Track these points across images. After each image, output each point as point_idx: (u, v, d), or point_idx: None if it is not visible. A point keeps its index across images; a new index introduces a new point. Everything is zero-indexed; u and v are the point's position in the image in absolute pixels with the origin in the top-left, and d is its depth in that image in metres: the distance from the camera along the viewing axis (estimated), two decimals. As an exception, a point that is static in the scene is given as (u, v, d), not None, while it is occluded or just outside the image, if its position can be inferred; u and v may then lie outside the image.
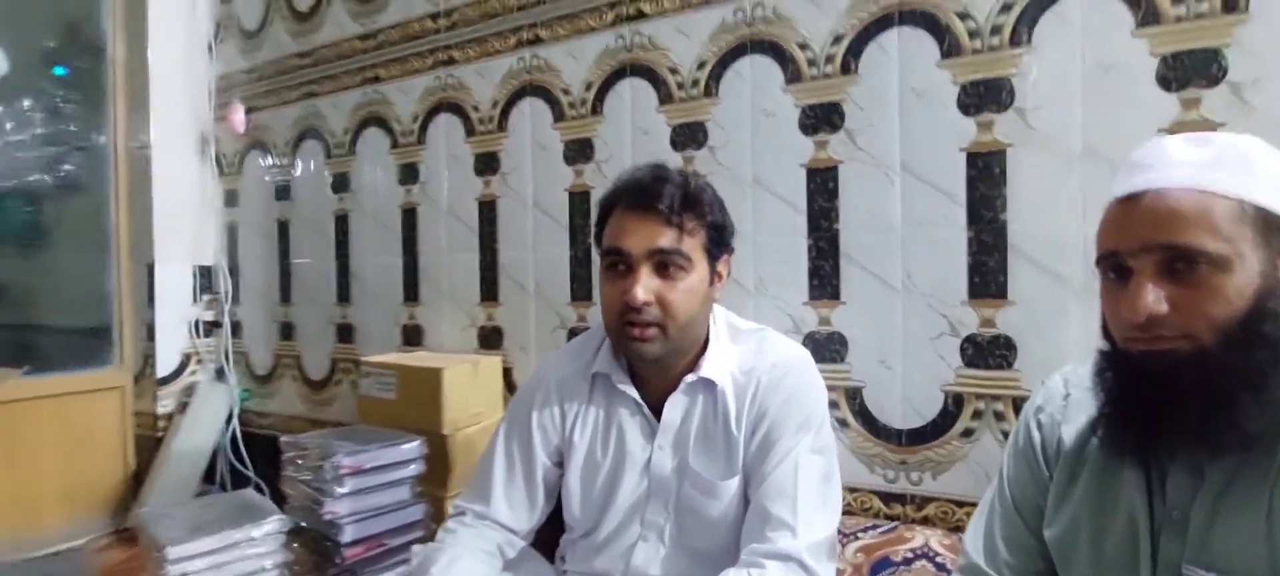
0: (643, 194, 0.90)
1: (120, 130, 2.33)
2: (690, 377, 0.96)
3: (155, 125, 2.29)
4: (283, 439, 1.47)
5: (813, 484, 0.90)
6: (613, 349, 1.01)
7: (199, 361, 2.39)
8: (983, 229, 1.22)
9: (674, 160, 1.51)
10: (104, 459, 2.27)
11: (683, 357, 0.97)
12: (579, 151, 1.66)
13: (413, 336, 1.97)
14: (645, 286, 0.88)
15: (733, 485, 0.94)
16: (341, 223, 2.11)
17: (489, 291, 1.82)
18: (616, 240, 0.91)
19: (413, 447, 1.45)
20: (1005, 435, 1.21)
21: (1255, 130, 0.71)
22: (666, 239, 0.89)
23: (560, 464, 1.06)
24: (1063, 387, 0.86)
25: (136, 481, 2.30)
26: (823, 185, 1.35)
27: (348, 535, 1.33)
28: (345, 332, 2.13)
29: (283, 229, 2.27)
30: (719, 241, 0.95)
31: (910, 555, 1.16)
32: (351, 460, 1.34)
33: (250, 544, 1.19)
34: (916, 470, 1.28)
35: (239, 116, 2.31)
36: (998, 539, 0.85)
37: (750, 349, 0.99)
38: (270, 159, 2.30)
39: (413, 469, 1.45)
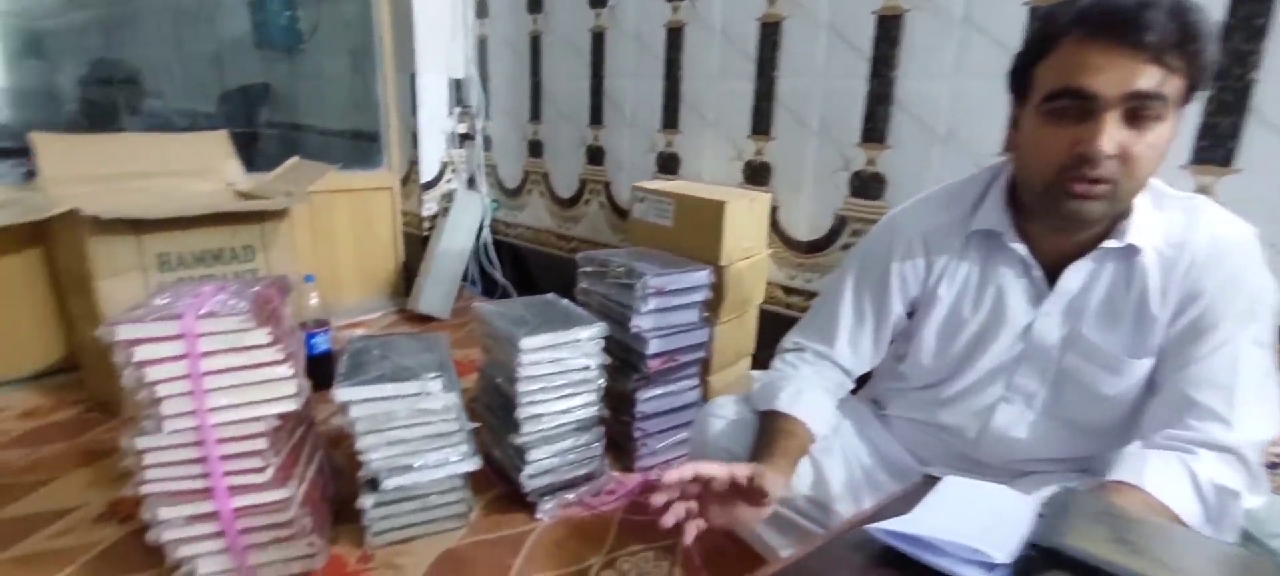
0: (1126, 21, 0.72)
1: (379, -63, 2.38)
2: (1108, 244, 0.85)
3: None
4: (581, 255, 1.56)
5: (1254, 379, 0.80)
6: (1003, 202, 0.92)
7: (454, 171, 2.58)
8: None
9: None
10: (381, 250, 2.60)
11: (1103, 221, 0.85)
12: (895, -36, 1.45)
13: (668, 164, 1.97)
14: (1111, 137, 0.73)
15: (1143, 365, 0.86)
16: (598, 41, 2.07)
17: (761, 123, 1.73)
18: (1078, 78, 0.75)
19: (704, 275, 1.49)
20: None
21: None
22: (1148, 80, 0.72)
23: (912, 314, 1.02)
24: None
25: (407, 272, 2.63)
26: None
27: (652, 347, 1.43)
28: (595, 155, 2.17)
29: (534, 43, 2.27)
30: (1195, 88, 0.78)
31: None
32: (658, 281, 1.41)
33: (580, 345, 1.31)
34: None
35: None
36: None
37: (1180, 218, 0.85)
38: (521, -32, 2.26)
39: (701, 294, 1.50)
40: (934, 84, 1.43)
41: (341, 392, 1.12)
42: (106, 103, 2.27)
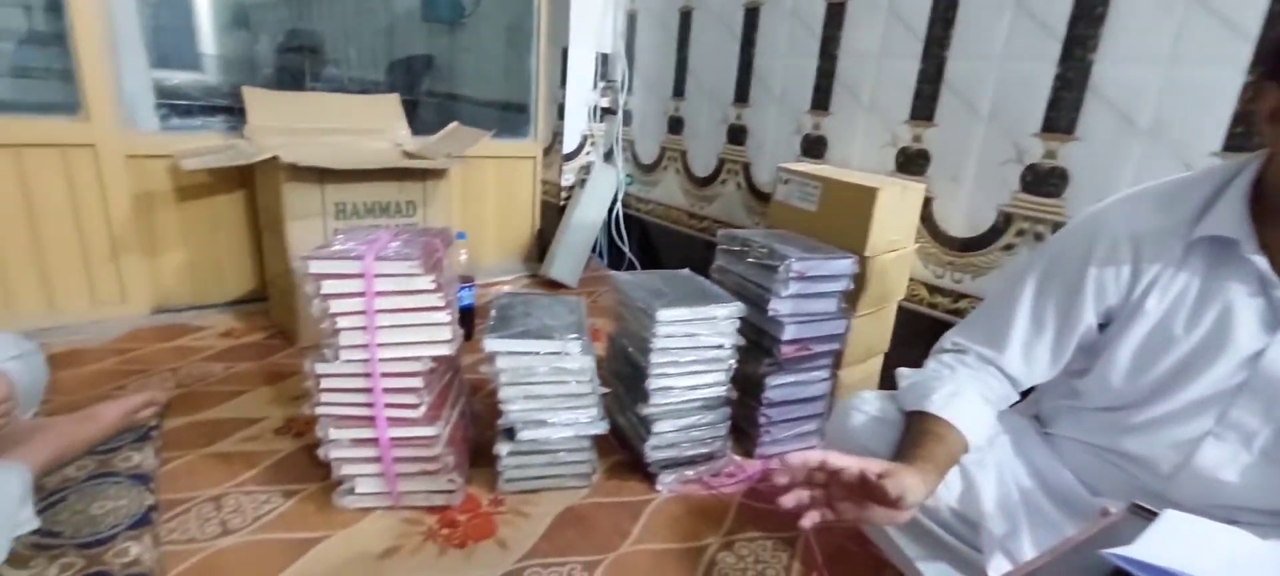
0: None
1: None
2: None
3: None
4: (721, 232, 1.54)
5: None
6: (1245, 208, 0.79)
7: (593, 144, 2.64)
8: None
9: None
10: (520, 216, 2.72)
11: None
12: (1105, -66, 1.28)
13: (815, 148, 1.89)
14: None
15: None
16: (751, 16, 2.02)
17: (923, 107, 1.61)
18: None
19: (848, 264, 1.42)
20: None
21: None
22: None
23: (1105, 325, 0.91)
24: None
25: (540, 240, 2.74)
26: None
27: (788, 333, 1.39)
28: (736, 134, 2.14)
29: (684, 19, 2.26)
30: None
31: None
32: (801, 266, 1.36)
33: (715, 322, 1.30)
34: None
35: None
36: None
37: None
38: (675, -57, 2.25)
39: (843, 284, 1.44)
40: (1141, 70, 1.25)
41: (490, 343, 1.18)
42: (295, 68, 2.53)
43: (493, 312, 1.30)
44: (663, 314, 1.26)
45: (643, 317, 1.30)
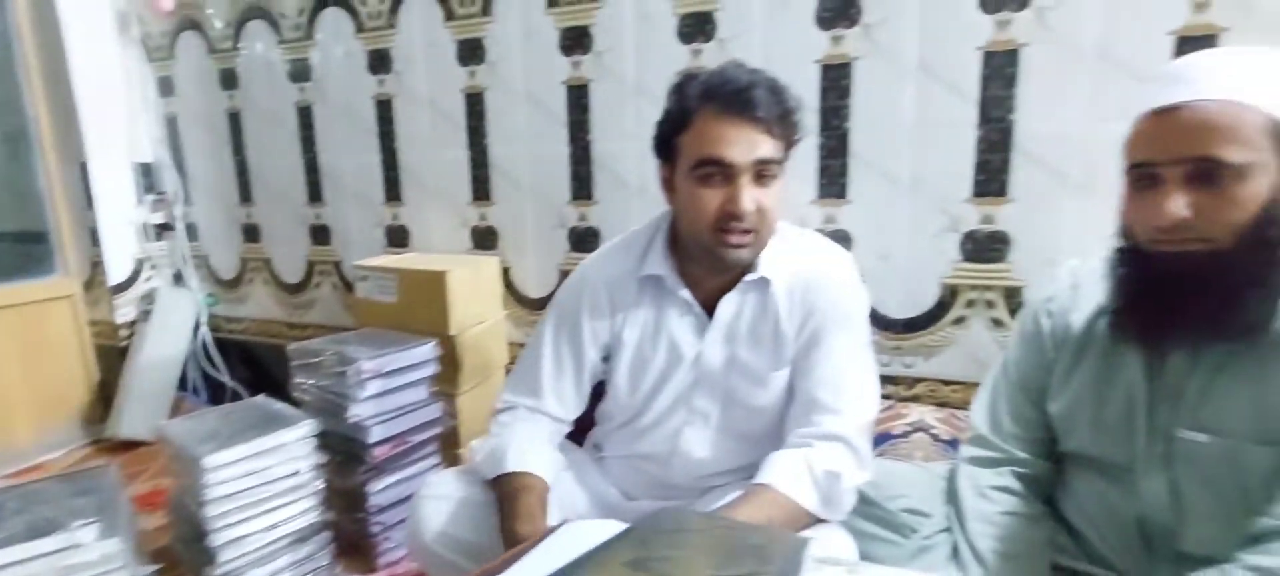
0: (743, 100, 0.88)
1: (20, 4, 2.03)
2: (749, 277, 1.01)
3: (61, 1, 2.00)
4: (291, 347, 1.44)
5: (854, 374, 0.99)
6: (665, 250, 1.04)
7: (154, 267, 2.25)
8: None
9: (682, 52, 1.47)
10: (65, 370, 2.16)
11: (751, 263, 1.01)
12: (576, 41, 1.58)
13: (398, 237, 1.92)
14: (750, 196, 0.89)
15: (782, 376, 1.02)
16: (305, 115, 1.97)
17: (480, 189, 1.77)
18: (716, 149, 0.90)
19: (427, 349, 1.46)
20: (995, 322, 1.33)
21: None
22: (768, 149, 0.90)
23: (607, 359, 1.10)
24: (1070, 279, 0.95)
25: (104, 392, 2.22)
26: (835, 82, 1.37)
27: (375, 435, 1.36)
28: (320, 234, 2.04)
29: (233, 121, 2.09)
30: (793, 148, 0.97)
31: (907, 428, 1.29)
32: (374, 364, 1.35)
33: (283, 450, 1.19)
34: (910, 355, 1.41)
35: (165, -9, 2.05)
36: (1003, 413, 0.97)
37: (799, 252, 1.04)
38: (209, 42, 2.07)
39: (429, 369, 1.47)
40: (623, 144, 1.57)
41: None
42: None
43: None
44: (211, 459, 1.12)
45: (193, 467, 1.14)
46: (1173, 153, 0.71)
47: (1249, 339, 0.74)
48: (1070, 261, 0.98)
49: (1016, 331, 1.00)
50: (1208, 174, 0.70)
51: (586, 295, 1.07)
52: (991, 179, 1.29)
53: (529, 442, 1.02)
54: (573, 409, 1.12)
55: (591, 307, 1.07)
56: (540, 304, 1.77)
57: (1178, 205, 0.71)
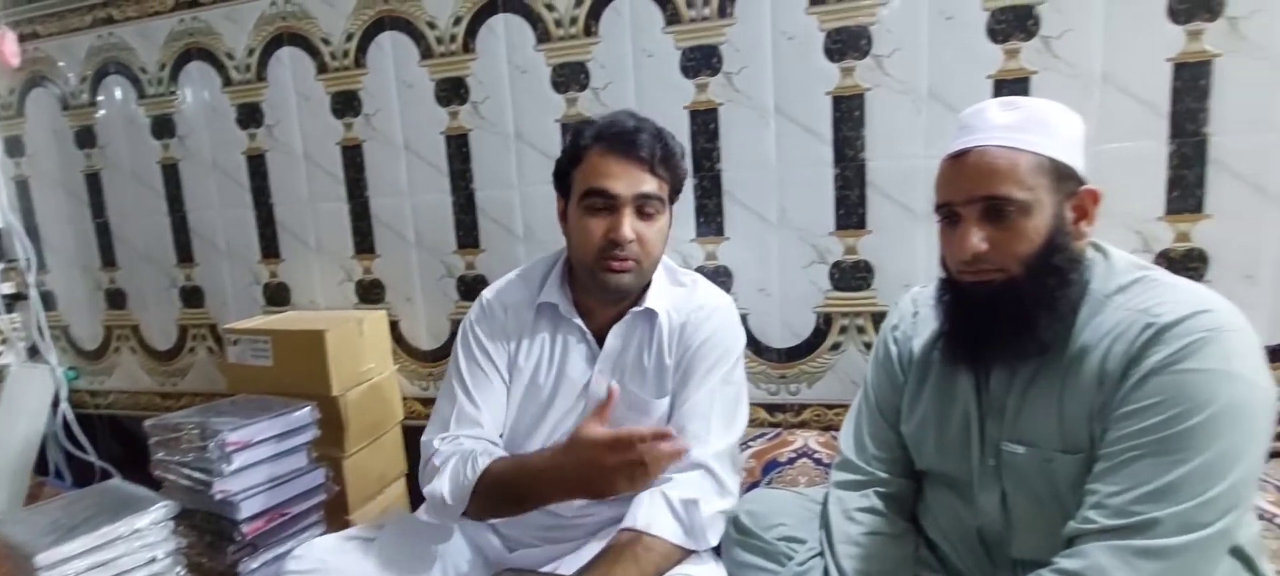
0: (628, 141, 0.97)
1: None
2: (636, 309, 1.05)
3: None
4: (148, 422, 1.34)
5: (721, 406, 1.03)
6: (561, 280, 1.08)
7: (4, 342, 2.04)
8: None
9: (556, 101, 1.50)
10: (-108, 465, 1.92)
11: (634, 292, 1.05)
12: (452, 91, 1.58)
13: (278, 295, 1.83)
14: (631, 225, 0.97)
15: (663, 404, 1.06)
16: (171, 172, 1.86)
17: (363, 242, 1.72)
18: (602, 181, 0.97)
19: (303, 414, 1.39)
20: (866, 346, 1.41)
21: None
22: (649, 185, 0.98)
23: (506, 382, 1.11)
24: (912, 307, 1.02)
25: (-58, 485, 1.98)
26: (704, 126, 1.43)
27: (244, 511, 1.27)
28: (192, 296, 1.92)
29: (92, 182, 1.95)
30: (677, 191, 1.05)
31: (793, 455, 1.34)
32: (238, 435, 1.27)
33: (136, 537, 1.10)
34: (794, 382, 1.47)
35: (10, 45, 1.91)
36: (866, 436, 1.02)
37: (684, 291, 1.10)
38: (62, 99, 1.94)
39: (307, 434, 1.40)
40: (506, 192, 1.58)
41: None
42: None
43: None
44: (44, 557, 1.02)
45: (25, 567, 1.03)
46: (966, 193, 0.79)
47: (1046, 356, 0.82)
48: (913, 289, 1.06)
49: (871, 357, 1.06)
50: (997, 210, 0.78)
51: (484, 320, 1.11)
52: (850, 212, 1.37)
53: (476, 443, 1.03)
54: (499, 424, 1.10)
55: (491, 331, 1.10)
56: (433, 355, 1.73)
57: (975, 240, 0.79)
